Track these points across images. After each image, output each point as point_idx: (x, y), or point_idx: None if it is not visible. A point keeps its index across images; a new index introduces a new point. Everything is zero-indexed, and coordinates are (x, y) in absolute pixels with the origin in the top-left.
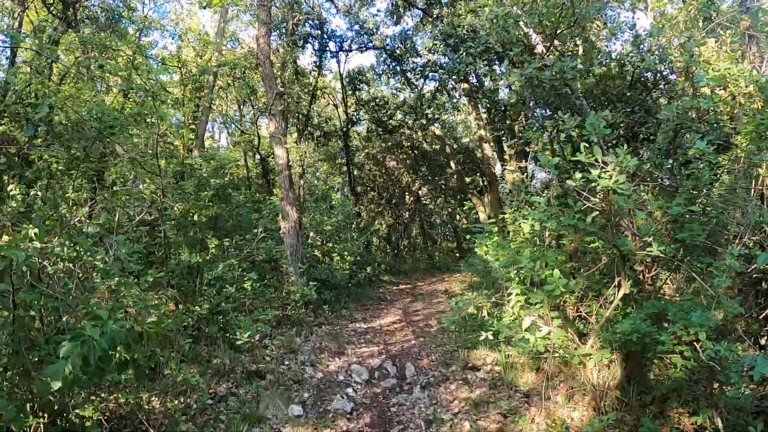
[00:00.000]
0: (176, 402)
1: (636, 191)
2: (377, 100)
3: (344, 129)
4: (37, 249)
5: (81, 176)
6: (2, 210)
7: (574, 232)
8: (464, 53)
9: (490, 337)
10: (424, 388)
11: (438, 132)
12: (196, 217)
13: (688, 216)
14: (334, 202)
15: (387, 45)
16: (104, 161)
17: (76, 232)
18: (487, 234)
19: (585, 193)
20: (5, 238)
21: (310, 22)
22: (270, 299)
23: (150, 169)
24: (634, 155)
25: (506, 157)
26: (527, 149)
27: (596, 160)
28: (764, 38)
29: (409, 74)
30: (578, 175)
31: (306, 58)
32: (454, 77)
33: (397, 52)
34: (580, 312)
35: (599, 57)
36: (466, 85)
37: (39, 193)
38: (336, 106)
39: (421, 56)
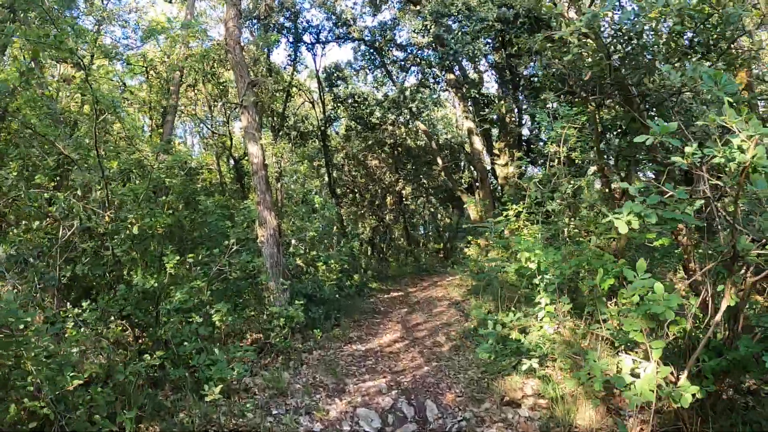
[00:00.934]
0: None
1: None
2: (356, 97)
3: (322, 128)
4: None
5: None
6: None
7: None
8: (459, 33)
9: (536, 365)
10: None
11: (423, 127)
12: (153, 229)
13: None
14: (316, 205)
15: (366, 37)
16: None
17: None
18: (493, 233)
19: (704, 173)
20: None
21: (285, 12)
22: (248, 320)
23: (91, 164)
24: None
25: (495, 151)
26: (522, 140)
27: (730, 127)
28: None
29: (390, 67)
30: (691, 148)
31: (280, 56)
32: (447, 62)
33: (378, 43)
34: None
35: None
36: (451, 76)
37: None
38: (312, 104)
39: (403, 48)
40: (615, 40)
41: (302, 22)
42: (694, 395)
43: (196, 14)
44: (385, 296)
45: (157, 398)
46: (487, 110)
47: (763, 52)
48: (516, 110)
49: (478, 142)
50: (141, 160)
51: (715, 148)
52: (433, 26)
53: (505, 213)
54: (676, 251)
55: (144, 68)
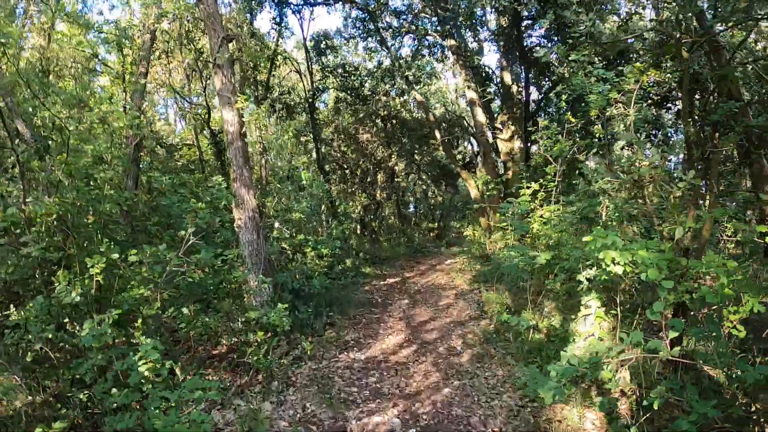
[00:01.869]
0: None
1: None
2: (346, 66)
3: (309, 100)
4: None
5: None
6: None
7: None
8: None
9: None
10: None
11: (419, 97)
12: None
13: None
14: (303, 182)
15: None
16: None
17: None
18: (511, 216)
19: None
20: None
21: None
22: (217, 331)
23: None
24: None
25: (497, 125)
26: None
27: None
28: None
29: (384, 34)
30: None
31: (264, 22)
32: (447, 26)
33: (371, 7)
34: None
35: None
36: (452, 42)
37: None
38: (299, 73)
39: (397, 15)
40: None
41: None
42: None
43: None
44: (381, 283)
45: None
46: (487, 83)
47: None
48: (524, 79)
49: (480, 114)
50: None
51: None
52: None
53: (522, 192)
54: None
55: (116, 36)
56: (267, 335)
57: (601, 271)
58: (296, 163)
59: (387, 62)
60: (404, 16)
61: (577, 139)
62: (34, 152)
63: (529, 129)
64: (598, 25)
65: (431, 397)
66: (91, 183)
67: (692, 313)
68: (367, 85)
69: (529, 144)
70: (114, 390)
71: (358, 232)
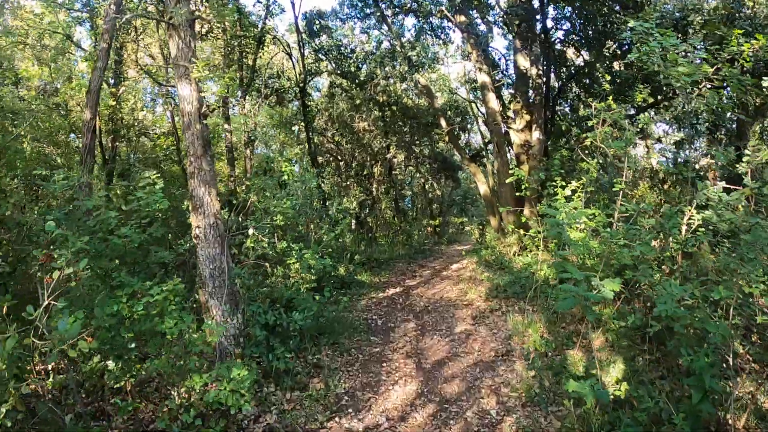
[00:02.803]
0: None
1: None
2: (342, 48)
3: (301, 84)
4: None
5: None
6: None
7: None
8: None
9: None
10: None
11: (423, 81)
12: None
13: None
14: (285, 177)
15: None
16: None
17: None
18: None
19: None
20: None
21: None
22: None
23: None
24: None
25: (510, 114)
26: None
27: None
28: None
29: (385, 10)
30: None
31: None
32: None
33: None
34: None
35: None
36: (462, 18)
37: None
38: (290, 56)
39: None
40: None
41: None
42: None
43: None
44: (381, 295)
45: None
46: (495, 71)
47: None
48: (544, 63)
49: (493, 100)
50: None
51: None
52: None
53: (557, 192)
54: None
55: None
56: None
57: None
58: (275, 155)
59: (387, 44)
60: None
61: (629, 129)
62: None
63: (552, 118)
64: None
65: None
66: None
67: None
68: (364, 68)
69: (548, 135)
70: None
71: (353, 227)
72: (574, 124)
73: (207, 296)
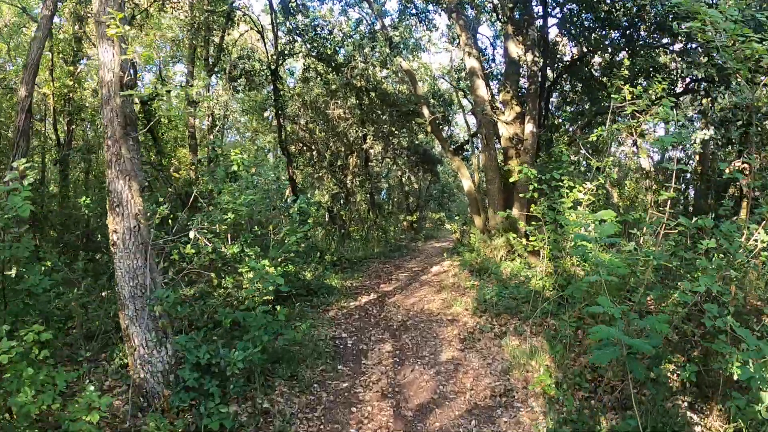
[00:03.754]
0: None
1: None
2: (318, 28)
3: (273, 66)
4: None
5: None
6: None
7: None
8: None
9: None
10: None
11: (406, 65)
12: None
13: None
14: (234, 167)
15: None
16: None
17: None
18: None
19: None
20: None
21: None
22: None
23: None
24: None
25: (498, 104)
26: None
27: None
28: None
29: None
30: None
31: None
32: None
33: None
34: None
35: None
36: None
37: None
38: (261, 34)
39: None
40: None
41: None
42: None
43: None
44: (352, 304)
45: None
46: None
47: None
48: (541, 47)
49: (482, 87)
50: None
51: None
52: None
53: (567, 193)
54: None
55: None
56: None
57: None
58: (217, 140)
59: (367, 26)
60: None
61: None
62: None
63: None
64: None
65: None
66: None
67: None
68: (342, 51)
69: (541, 128)
70: None
71: (329, 227)
72: (570, 117)
73: (128, 321)
